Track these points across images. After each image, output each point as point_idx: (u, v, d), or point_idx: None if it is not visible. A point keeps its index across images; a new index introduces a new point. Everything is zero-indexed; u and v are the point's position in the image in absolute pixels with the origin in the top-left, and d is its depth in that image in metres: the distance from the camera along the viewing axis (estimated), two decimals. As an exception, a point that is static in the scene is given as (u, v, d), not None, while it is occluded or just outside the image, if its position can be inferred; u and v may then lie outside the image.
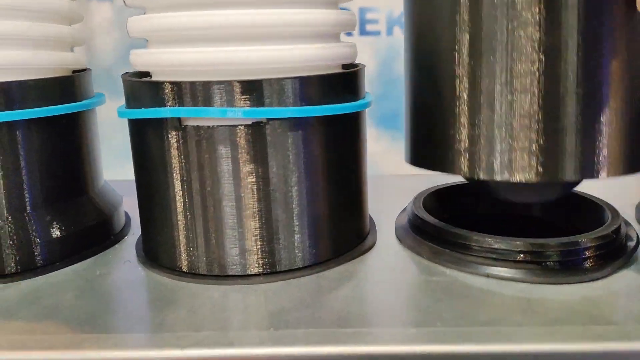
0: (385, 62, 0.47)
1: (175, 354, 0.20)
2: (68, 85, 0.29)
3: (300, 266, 0.27)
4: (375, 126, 0.48)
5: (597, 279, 0.25)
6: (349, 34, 0.46)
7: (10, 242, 0.27)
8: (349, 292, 0.25)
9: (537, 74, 0.24)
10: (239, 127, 0.25)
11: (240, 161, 0.25)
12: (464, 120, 0.25)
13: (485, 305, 0.23)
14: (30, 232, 0.27)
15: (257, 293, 0.25)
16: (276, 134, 0.25)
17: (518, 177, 0.25)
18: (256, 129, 0.25)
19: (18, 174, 0.27)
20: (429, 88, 0.27)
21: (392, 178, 0.43)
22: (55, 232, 0.28)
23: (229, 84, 0.25)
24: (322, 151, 0.27)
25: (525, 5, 0.23)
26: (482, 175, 0.25)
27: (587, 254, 0.26)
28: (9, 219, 0.27)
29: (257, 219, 0.26)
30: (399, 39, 0.48)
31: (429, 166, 0.27)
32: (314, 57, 0.26)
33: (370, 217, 0.32)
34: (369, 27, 0.47)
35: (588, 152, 0.24)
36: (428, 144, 0.27)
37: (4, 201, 0.27)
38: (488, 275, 0.26)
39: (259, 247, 0.26)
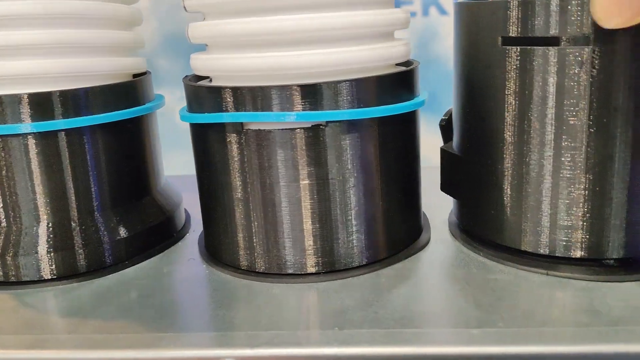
0: (421, 44, 0.47)
1: (247, 353, 0.21)
2: (131, 90, 0.30)
3: (358, 265, 0.27)
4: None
5: (660, 277, 0.25)
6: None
7: (81, 243, 0.28)
8: (409, 290, 0.25)
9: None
10: (298, 130, 0.26)
11: (300, 163, 0.26)
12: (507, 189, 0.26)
13: (547, 305, 0.23)
14: (99, 232, 0.29)
15: (318, 292, 0.26)
16: (334, 136, 0.26)
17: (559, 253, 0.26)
18: (315, 132, 0.26)
19: (86, 178, 0.28)
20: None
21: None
22: (123, 232, 0.29)
23: (287, 88, 0.25)
24: (378, 151, 0.27)
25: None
26: (523, 248, 0.26)
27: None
28: (79, 221, 0.28)
29: (316, 219, 0.26)
30: (435, 19, 0.47)
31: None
32: (370, 58, 0.26)
33: (423, 213, 0.32)
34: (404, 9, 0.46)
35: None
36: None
37: (74, 204, 0.28)
38: (547, 273, 0.26)
39: (317, 246, 0.27)
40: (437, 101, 0.50)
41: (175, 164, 0.38)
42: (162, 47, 0.49)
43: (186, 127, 0.28)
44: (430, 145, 0.49)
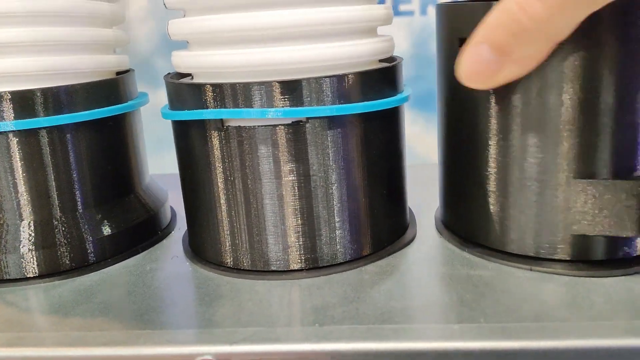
0: (419, 43, 0.47)
1: (225, 349, 0.21)
2: (113, 88, 0.30)
3: (342, 261, 0.27)
4: (410, 108, 0.47)
5: (643, 271, 0.25)
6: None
7: (64, 241, 0.28)
8: (391, 286, 0.25)
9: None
10: (279, 126, 0.25)
11: (281, 160, 0.26)
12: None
13: (529, 300, 0.23)
14: (82, 230, 0.29)
15: (300, 288, 0.25)
16: (316, 132, 0.26)
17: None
18: (296, 128, 0.25)
19: (69, 176, 0.28)
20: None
21: (430, 167, 0.42)
22: (106, 230, 0.29)
23: (269, 84, 0.25)
24: (361, 147, 0.27)
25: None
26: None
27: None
28: (62, 219, 0.28)
29: (299, 216, 0.26)
30: (433, 18, 0.47)
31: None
32: (352, 54, 0.26)
33: (410, 210, 0.32)
34: (402, 7, 0.46)
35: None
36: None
37: (57, 202, 0.28)
38: (531, 269, 0.26)
39: (301, 243, 0.27)
40: (435, 100, 0.49)
41: (168, 163, 0.37)
42: (160, 46, 0.48)
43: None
44: (425, 141, 0.49)
